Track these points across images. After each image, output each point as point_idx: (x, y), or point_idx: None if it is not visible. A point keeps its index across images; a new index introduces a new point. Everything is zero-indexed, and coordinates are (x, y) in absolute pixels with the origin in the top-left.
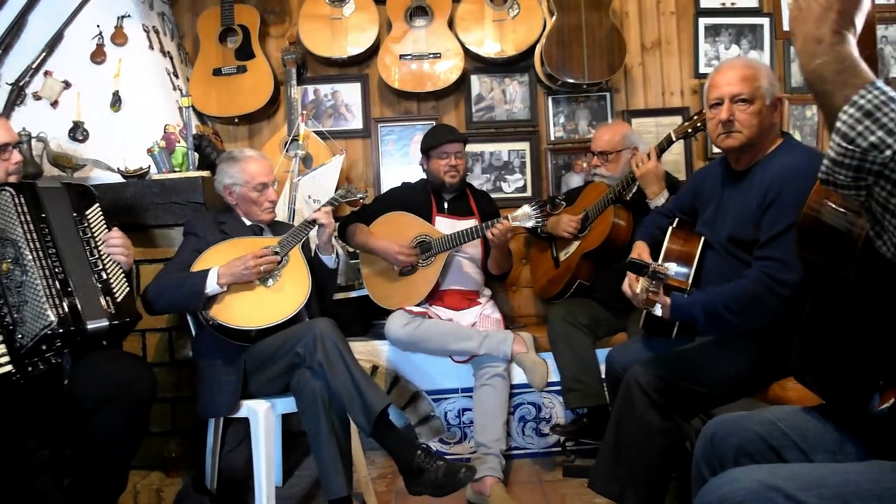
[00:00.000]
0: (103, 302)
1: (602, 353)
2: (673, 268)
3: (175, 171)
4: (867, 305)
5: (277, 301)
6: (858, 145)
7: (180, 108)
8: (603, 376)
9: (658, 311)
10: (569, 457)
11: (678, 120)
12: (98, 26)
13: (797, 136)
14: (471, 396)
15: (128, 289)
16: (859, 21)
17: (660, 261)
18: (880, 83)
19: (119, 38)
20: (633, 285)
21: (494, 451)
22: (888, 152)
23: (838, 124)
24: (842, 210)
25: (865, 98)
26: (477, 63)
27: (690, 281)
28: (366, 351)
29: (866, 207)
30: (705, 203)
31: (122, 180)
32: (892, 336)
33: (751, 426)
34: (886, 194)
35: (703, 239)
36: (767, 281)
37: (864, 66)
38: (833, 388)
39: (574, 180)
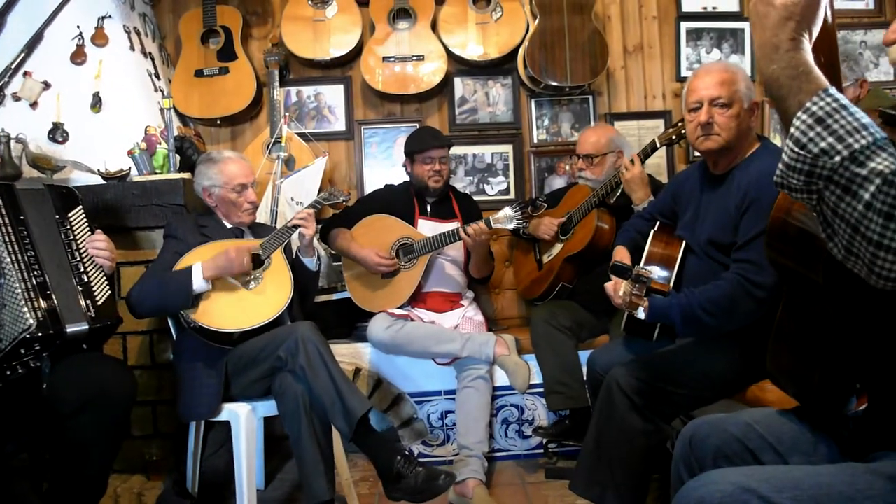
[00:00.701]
0: (83, 305)
1: (585, 356)
2: (656, 271)
3: (156, 173)
4: (836, 307)
5: (259, 304)
6: (810, 151)
7: (162, 110)
8: (585, 378)
9: (641, 314)
10: (551, 459)
11: (660, 123)
12: (78, 27)
13: (778, 141)
14: (453, 399)
15: (109, 292)
16: (815, 29)
17: (642, 264)
18: (833, 90)
19: (99, 38)
20: (618, 287)
21: (477, 454)
22: (837, 158)
23: (792, 129)
24: (809, 213)
25: (818, 105)
26: (460, 65)
27: (672, 284)
28: (348, 353)
29: (818, 211)
30: (685, 207)
31: (103, 182)
32: (861, 338)
33: (728, 428)
34: (836, 198)
35: (684, 242)
36: (744, 283)
37: (818, 72)
38: (807, 391)
39: (557, 182)
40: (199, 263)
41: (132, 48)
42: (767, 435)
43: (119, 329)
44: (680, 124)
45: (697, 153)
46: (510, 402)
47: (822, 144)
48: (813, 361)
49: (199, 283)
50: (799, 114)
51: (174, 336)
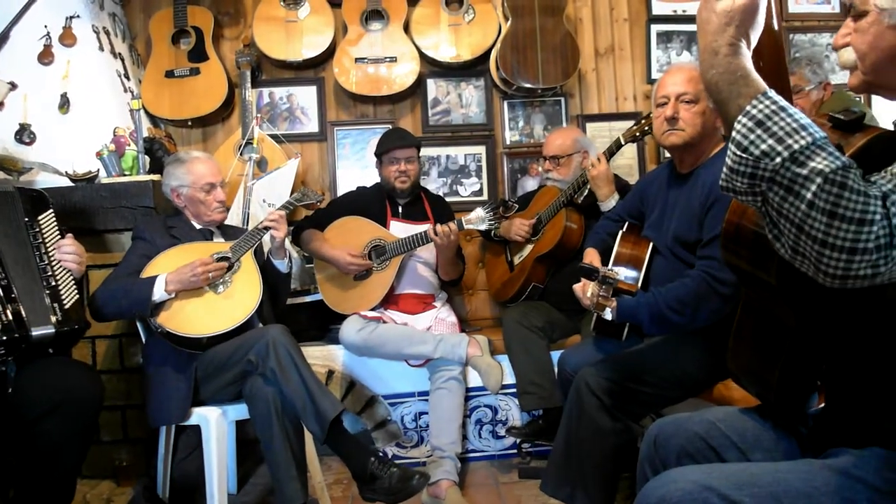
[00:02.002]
0: (50, 309)
1: (557, 355)
2: (622, 272)
3: (125, 175)
4: (791, 307)
5: (228, 307)
6: (751, 153)
7: (131, 111)
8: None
9: (608, 315)
10: (525, 458)
11: (631, 124)
12: (45, 27)
13: None
14: (427, 400)
15: (77, 296)
16: (755, 35)
17: (610, 265)
18: (771, 93)
19: (67, 38)
20: (586, 288)
21: (450, 455)
22: (778, 159)
23: (733, 133)
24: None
25: (757, 108)
26: (433, 67)
27: (640, 284)
28: (321, 356)
29: (764, 213)
30: (651, 206)
31: (71, 184)
32: (816, 336)
33: (692, 427)
34: (779, 199)
35: (651, 243)
36: (709, 280)
37: (756, 76)
38: (767, 389)
39: (530, 184)
40: (163, 276)
41: (101, 48)
42: (730, 433)
43: (88, 333)
44: (644, 121)
45: (669, 154)
46: (484, 403)
47: (763, 147)
48: (772, 360)
49: (160, 294)
50: (739, 118)
51: (143, 340)
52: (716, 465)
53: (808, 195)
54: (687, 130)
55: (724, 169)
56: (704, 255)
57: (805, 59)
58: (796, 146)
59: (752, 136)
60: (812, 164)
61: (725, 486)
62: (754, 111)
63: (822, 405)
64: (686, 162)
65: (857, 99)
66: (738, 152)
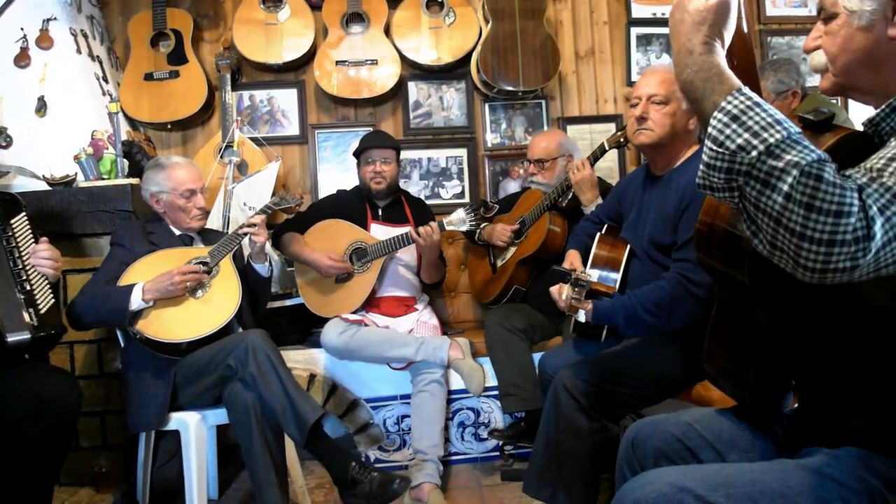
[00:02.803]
0: (25, 314)
1: (539, 358)
2: (596, 274)
3: (103, 179)
4: (764, 307)
5: (207, 312)
6: (727, 148)
7: (110, 114)
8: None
9: (581, 317)
10: (507, 461)
11: (612, 127)
12: (22, 29)
13: None
14: (409, 403)
15: (53, 301)
16: (728, 35)
17: (588, 267)
18: (746, 89)
19: (44, 41)
20: (562, 291)
21: (432, 458)
22: (754, 153)
23: (709, 129)
24: (735, 214)
25: (732, 104)
26: (414, 70)
27: (617, 286)
28: (303, 359)
29: (741, 208)
30: (628, 208)
31: (48, 188)
32: (789, 336)
33: (669, 428)
34: (756, 193)
35: (629, 245)
36: (683, 282)
37: (730, 73)
38: (741, 389)
39: (511, 186)
40: (140, 284)
41: (79, 51)
42: (706, 434)
43: (66, 338)
44: (638, 130)
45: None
46: (466, 406)
47: (739, 141)
48: (746, 360)
49: (137, 303)
50: (715, 113)
51: (122, 345)
52: (692, 466)
53: (785, 187)
54: (655, 131)
55: (701, 166)
56: (679, 258)
57: (769, 67)
58: (771, 140)
59: (727, 131)
60: (788, 156)
61: (701, 487)
62: (729, 107)
63: (797, 405)
64: (658, 164)
65: (834, 101)
66: (715, 147)
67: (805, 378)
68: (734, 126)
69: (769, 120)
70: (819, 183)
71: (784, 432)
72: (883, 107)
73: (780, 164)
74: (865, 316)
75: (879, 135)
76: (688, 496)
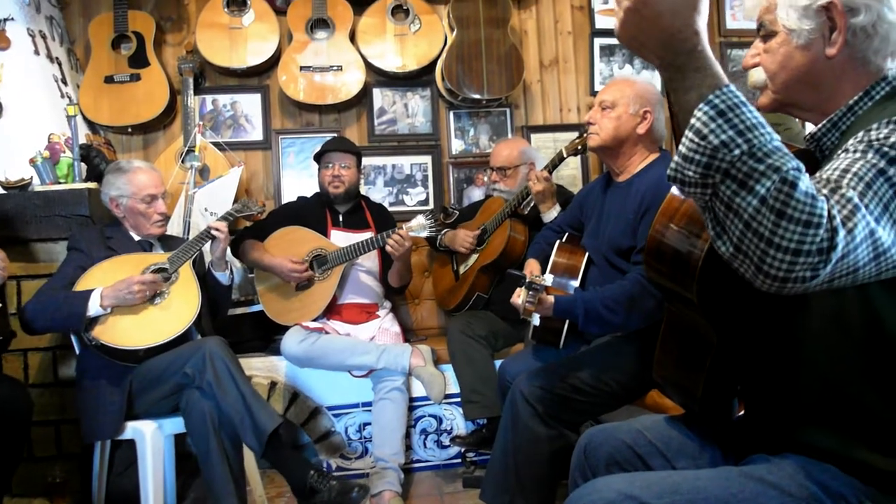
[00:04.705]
0: None
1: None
2: (550, 279)
3: (60, 183)
4: (711, 323)
5: (165, 319)
6: (710, 142)
7: (68, 117)
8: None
9: (536, 320)
10: (469, 468)
11: (575, 135)
12: None
13: None
14: (371, 410)
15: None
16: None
17: (546, 273)
18: (733, 87)
19: (1, 42)
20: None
21: (393, 466)
22: (737, 151)
23: (693, 121)
24: (684, 233)
25: (720, 98)
26: (379, 76)
27: (576, 292)
28: (264, 367)
29: (709, 207)
30: (588, 216)
31: (2, 192)
32: (735, 350)
33: (620, 436)
34: (731, 193)
35: (587, 253)
36: (643, 282)
37: (719, 68)
38: (691, 400)
39: (476, 194)
40: (98, 290)
41: (37, 52)
42: (656, 441)
43: (19, 345)
44: (585, 135)
45: None
46: (428, 413)
47: (723, 137)
48: (695, 373)
49: (95, 309)
50: (701, 105)
51: (77, 352)
52: (639, 473)
53: (762, 191)
54: (600, 134)
55: (676, 157)
56: (639, 261)
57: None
58: (756, 141)
59: (712, 125)
60: (770, 160)
61: (647, 495)
62: (717, 101)
63: (742, 412)
64: (614, 169)
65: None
66: (697, 139)
67: (750, 388)
68: (720, 121)
69: (754, 121)
70: (793, 191)
71: (730, 440)
72: (824, 122)
73: (761, 167)
74: (811, 332)
75: (821, 150)
76: (635, 503)
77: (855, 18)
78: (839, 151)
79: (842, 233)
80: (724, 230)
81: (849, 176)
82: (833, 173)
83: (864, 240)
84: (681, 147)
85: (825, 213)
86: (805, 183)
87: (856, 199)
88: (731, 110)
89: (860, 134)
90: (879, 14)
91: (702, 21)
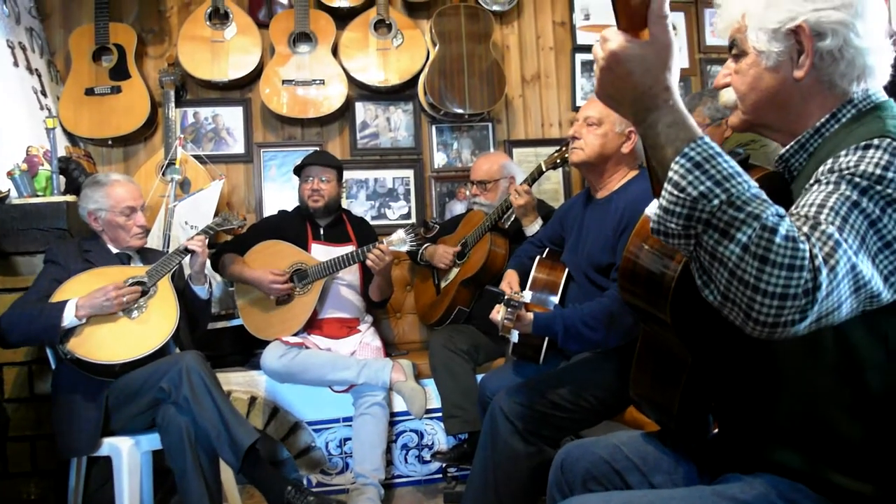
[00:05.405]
0: None
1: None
2: (529, 295)
3: (38, 196)
4: (686, 345)
5: (142, 333)
6: (689, 194)
7: (47, 129)
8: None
9: (515, 337)
10: (450, 483)
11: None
12: None
13: None
14: (352, 426)
15: None
16: (675, 71)
17: (526, 289)
18: (707, 138)
19: None
20: (498, 311)
21: (373, 482)
22: (716, 201)
23: (670, 174)
24: (657, 254)
25: (695, 150)
26: (361, 90)
27: (555, 308)
28: (244, 381)
29: (694, 257)
30: (569, 231)
31: None
32: (709, 369)
33: (597, 451)
34: (714, 242)
35: (567, 269)
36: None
37: (692, 120)
38: (667, 418)
39: (458, 208)
40: (74, 300)
41: (16, 64)
42: (633, 456)
43: None
44: (563, 148)
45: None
46: (410, 428)
47: (701, 188)
48: (671, 392)
49: (70, 320)
50: (677, 159)
51: (53, 366)
52: (614, 492)
53: (744, 239)
54: (585, 150)
55: (658, 210)
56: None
57: (707, 95)
58: (734, 190)
59: (689, 178)
60: (749, 208)
61: None
62: (692, 153)
63: (717, 430)
64: (595, 185)
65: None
66: (676, 192)
67: (723, 407)
68: (697, 173)
69: (731, 170)
70: (774, 236)
71: (705, 456)
72: (791, 144)
73: (741, 216)
74: (783, 354)
75: (790, 171)
76: None
77: (822, 42)
78: (811, 182)
79: (824, 271)
80: (711, 279)
81: (825, 211)
82: (810, 209)
83: (846, 275)
84: (661, 200)
85: (807, 255)
86: (785, 227)
87: (836, 235)
88: (707, 161)
89: (829, 161)
90: (846, 39)
91: (673, 78)
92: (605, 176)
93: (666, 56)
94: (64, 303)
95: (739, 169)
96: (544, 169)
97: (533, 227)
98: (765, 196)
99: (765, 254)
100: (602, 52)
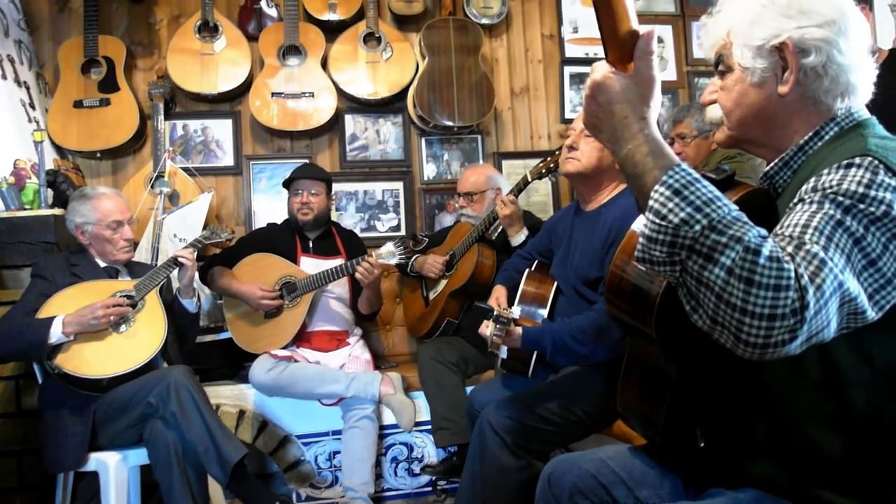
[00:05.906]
0: None
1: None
2: (517, 311)
3: (25, 209)
4: (671, 360)
5: (130, 348)
6: (670, 221)
7: (35, 143)
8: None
9: (503, 353)
10: (440, 496)
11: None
12: None
13: None
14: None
15: None
16: (655, 102)
17: (515, 303)
18: (685, 165)
19: None
20: (486, 327)
21: (361, 496)
22: (697, 227)
23: (651, 202)
24: (643, 269)
25: (673, 178)
26: (351, 103)
27: (543, 322)
28: (233, 395)
29: (681, 283)
30: (557, 244)
31: None
32: (694, 383)
33: (583, 465)
34: (699, 268)
35: (556, 282)
36: None
37: (669, 149)
38: (653, 432)
39: (447, 220)
40: (61, 317)
41: (4, 76)
42: (619, 470)
43: None
44: (549, 158)
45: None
46: (399, 441)
47: (682, 215)
48: (657, 406)
49: (57, 337)
50: (657, 187)
51: (39, 381)
52: None
53: (728, 262)
54: (581, 161)
55: (641, 239)
56: None
57: (695, 107)
58: (714, 215)
59: (670, 205)
60: (731, 231)
61: None
62: (671, 181)
63: (703, 444)
64: (585, 197)
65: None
66: (657, 220)
67: (709, 422)
68: (676, 200)
69: (710, 195)
70: (757, 258)
71: (691, 470)
72: (776, 160)
73: (724, 239)
74: (767, 370)
75: (774, 188)
76: None
77: (806, 59)
78: (795, 200)
79: (811, 290)
80: (699, 304)
81: (810, 231)
82: (794, 230)
83: (834, 293)
84: (644, 229)
85: (793, 275)
86: (768, 248)
87: (821, 254)
88: (686, 188)
89: (812, 180)
90: (829, 56)
91: (651, 112)
92: (597, 188)
93: (647, 90)
94: (51, 319)
95: (719, 193)
96: (530, 179)
97: (518, 237)
98: (746, 218)
99: (749, 275)
100: (588, 82)
